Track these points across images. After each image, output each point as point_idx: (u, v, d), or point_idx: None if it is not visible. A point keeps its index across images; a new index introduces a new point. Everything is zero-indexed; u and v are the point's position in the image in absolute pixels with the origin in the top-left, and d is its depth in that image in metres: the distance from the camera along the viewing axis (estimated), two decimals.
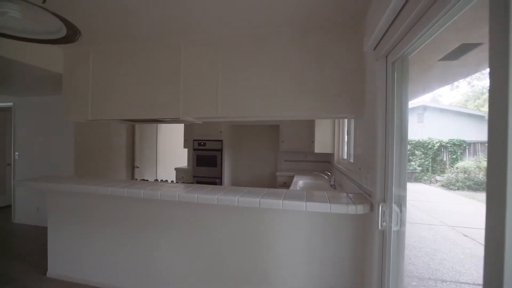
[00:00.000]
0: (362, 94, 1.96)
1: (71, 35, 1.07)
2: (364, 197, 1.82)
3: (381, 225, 1.47)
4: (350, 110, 2.06)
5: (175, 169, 4.95)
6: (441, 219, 4.63)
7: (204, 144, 4.42)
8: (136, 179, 4.38)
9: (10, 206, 4.70)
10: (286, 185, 4.01)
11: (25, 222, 4.20)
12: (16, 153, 4.29)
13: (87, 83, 2.68)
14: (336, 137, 3.54)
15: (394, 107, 1.43)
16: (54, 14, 0.93)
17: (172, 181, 2.96)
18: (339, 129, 3.49)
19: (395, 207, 1.41)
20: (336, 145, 3.54)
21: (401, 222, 1.41)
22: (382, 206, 1.47)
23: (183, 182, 4.01)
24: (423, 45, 1.24)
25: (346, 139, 3.16)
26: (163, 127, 5.55)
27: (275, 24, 2.09)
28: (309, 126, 4.18)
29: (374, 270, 1.55)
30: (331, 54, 2.07)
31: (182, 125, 5.05)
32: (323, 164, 4.42)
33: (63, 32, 1.06)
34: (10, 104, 4.35)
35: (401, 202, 1.44)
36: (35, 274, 2.58)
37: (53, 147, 4.03)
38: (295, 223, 1.92)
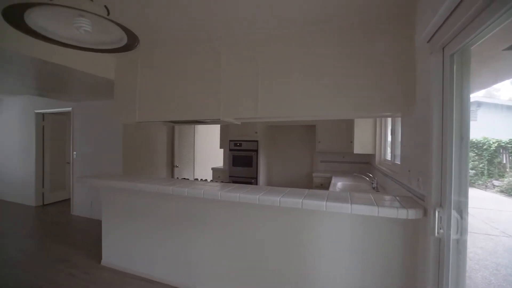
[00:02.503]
0: (411, 91, 1.83)
1: (131, 43, 1.16)
2: (415, 201, 1.69)
3: (437, 232, 1.35)
4: (397, 108, 1.94)
5: (212, 168, 5.11)
6: (502, 229, 4.11)
7: (240, 145, 4.50)
8: (177, 178, 4.61)
9: (69, 199, 5.28)
10: (323, 186, 3.90)
11: (81, 214, 4.67)
12: (74, 152, 4.79)
13: (135, 88, 2.89)
14: (378, 137, 3.35)
15: (453, 104, 1.31)
16: (119, 24, 1.02)
17: (212, 180, 3.06)
18: (381, 129, 3.31)
19: (454, 213, 1.29)
20: (377, 146, 3.36)
21: (462, 230, 1.28)
22: (438, 212, 1.36)
23: (222, 182, 4.12)
24: (490, 34, 1.11)
25: (389, 139, 2.98)
26: (200, 128, 5.78)
27: (316, 21, 2.05)
28: (348, 126, 4.02)
29: (428, 281, 1.43)
30: (375, 50, 1.97)
31: (218, 126, 5.20)
32: (363, 165, 4.22)
33: (124, 41, 1.16)
34: (69, 108, 4.87)
35: (462, 208, 1.31)
36: (91, 262, 2.85)
37: (104, 147, 4.42)
38: (337, 225, 1.85)
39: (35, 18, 1.03)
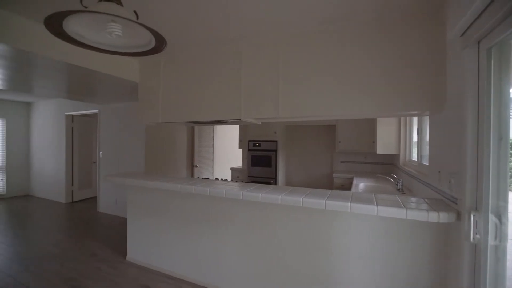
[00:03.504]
0: (441, 88, 1.75)
1: (159, 45, 1.20)
2: (446, 204, 1.61)
3: (473, 238, 1.28)
4: (425, 107, 1.85)
5: (231, 168, 5.16)
6: None
7: (259, 145, 4.51)
8: (198, 177, 4.70)
9: (96, 197, 5.55)
10: (344, 187, 3.81)
11: (106, 211, 4.88)
12: (100, 152, 5.02)
13: (158, 90, 2.98)
14: (403, 137, 3.22)
15: (491, 100, 1.23)
16: (148, 28, 1.05)
17: (231, 180, 3.08)
18: (406, 128, 3.18)
19: (492, 218, 1.21)
20: (402, 146, 3.23)
21: (502, 236, 1.20)
22: (474, 216, 1.28)
23: (241, 182, 4.15)
24: None
25: (415, 139, 2.86)
26: (219, 129, 5.85)
27: (337, 19, 2.01)
28: (369, 125, 3.91)
29: None
30: (400, 46, 1.90)
31: (237, 126, 5.24)
32: (385, 166, 4.08)
33: (153, 43, 1.20)
34: (96, 111, 5.12)
35: (500, 212, 1.23)
36: (117, 257, 2.97)
37: (128, 147, 4.59)
38: (362, 228, 1.80)
39: (72, 25, 1.09)
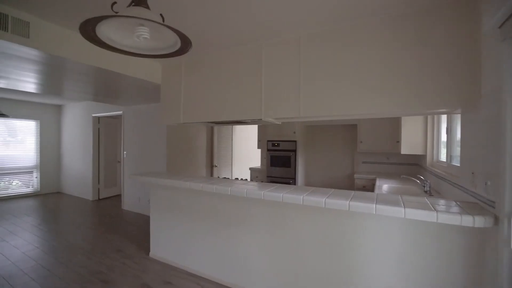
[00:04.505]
0: (475, 83, 1.64)
1: (184, 47, 1.23)
2: (482, 207, 1.51)
3: None
4: (456, 104, 1.76)
5: (250, 168, 5.18)
6: None
7: (278, 145, 4.49)
8: (218, 177, 4.76)
9: (120, 195, 5.79)
10: (366, 188, 3.70)
11: (130, 209, 5.08)
12: (124, 152, 5.23)
13: (180, 91, 3.06)
14: (430, 136, 3.07)
15: None
16: (174, 30, 1.07)
17: (251, 180, 3.09)
18: (434, 127, 3.03)
19: None
20: (429, 146, 3.08)
21: None
22: None
23: (261, 182, 4.15)
24: None
25: (444, 139, 2.71)
26: (238, 129, 5.89)
27: (360, 15, 1.96)
28: (393, 124, 3.76)
29: None
30: (429, 41, 1.81)
31: (256, 126, 5.25)
32: (410, 167, 3.91)
33: (178, 45, 1.22)
34: (120, 112, 5.34)
35: None
36: (141, 253, 3.07)
37: (150, 147, 4.75)
38: (387, 231, 1.73)
39: (103, 30, 1.14)
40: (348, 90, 2.09)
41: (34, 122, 6.40)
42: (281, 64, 2.37)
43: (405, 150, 3.26)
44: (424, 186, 2.57)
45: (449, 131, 2.48)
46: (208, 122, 2.98)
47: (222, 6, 1.89)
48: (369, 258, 1.79)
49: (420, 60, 1.84)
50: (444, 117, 2.78)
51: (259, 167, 5.16)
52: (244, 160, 5.94)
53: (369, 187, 3.69)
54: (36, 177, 6.41)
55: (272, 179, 4.53)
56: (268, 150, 4.62)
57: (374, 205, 1.58)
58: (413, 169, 3.86)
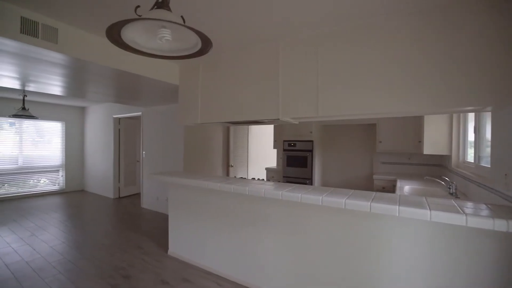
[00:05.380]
0: (508, 80, 1.55)
1: (204, 47, 1.24)
2: None
3: None
4: (486, 102, 1.66)
5: (266, 168, 5.17)
6: None
7: (294, 145, 4.45)
8: (234, 177, 4.80)
9: (139, 194, 5.96)
10: (386, 189, 3.59)
11: (149, 207, 5.22)
12: (143, 152, 5.38)
13: (197, 91, 3.10)
14: (455, 136, 2.93)
15: None
16: (195, 31, 1.09)
17: (268, 180, 3.08)
18: (460, 126, 2.88)
19: None
20: (454, 146, 2.94)
21: None
22: None
23: (278, 182, 4.14)
24: None
25: (471, 138, 2.58)
26: (254, 129, 5.91)
27: (383, 12, 1.90)
28: (415, 123, 3.62)
29: None
30: (459, 35, 1.73)
31: (272, 126, 5.24)
32: (433, 168, 3.75)
33: (199, 46, 1.24)
34: (139, 113, 5.50)
35: None
36: (160, 251, 3.15)
37: (168, 147, 4.86)
38: (410, 234, 1.67)
39: (126, 34, 1.18)
40: (368, 89, 2.03)
41: (60, 124, 6.74)
42: (298, 63, 2.35)
43: (428, 150, 3.13)
44: (449, 188, 2.45)
45: (477, 130, 2.35)
46: (225, 122, 3.00)
47: (239, 6, 1.90)
48: (390, 262, 1.73)
49: (448, 56, 1.76)
50: (471, 116, 2.64)
51: (275, 167, 5.14)
52: (260, 160, 5.94)
53: (389, 189, 3.58)
54: (61, 176, 6.74)
55: (288, 179, 4.49)
56: (284, 150, 4.59)
57: (397, 206, 1.52)
58: (437, 170, 3.70)
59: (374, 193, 1.87)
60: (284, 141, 4.59)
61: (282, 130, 4.72)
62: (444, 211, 1.41)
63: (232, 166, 5.33)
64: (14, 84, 3.74)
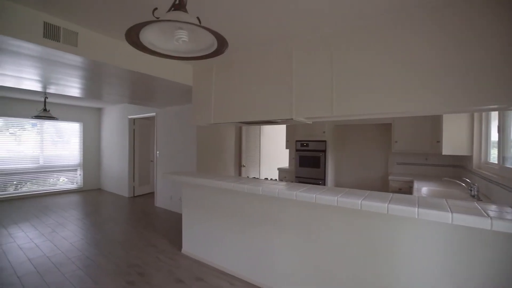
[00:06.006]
0: None
1: (220, 48, 1.25)
2: None
3: None
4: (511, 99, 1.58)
5: (278, 169, 5.15)
6: None
7: (307, 145, 4.41)
8: (247, 177, 4.81)
9: (153, 193, 6.08)
10: (402, 191, 3.49)
11: (163, 206, 5.31)
12: (157, 152, 5.49)
13: (211, 91, 3.13)
14: (477, 135, 2.81)
15: None
16: (212, 31, 1.09)
17: (281, 180, 3.07)
18: (482, 125, 2.77)
19: None
20: (476, 146, 2.82)
21: None
22: None
23: (291, 182, 4.12)
24: None
25: (495, 138, 2.47)
26: (266, 129, 5.90)
27: (401, 7, 1.85)
28: (433, 123, 3.51)
29: None
30: (482, 29, 1.65)
31: (284, 126, 5.21)
32: (452, 169, 3.62)
33: (215, 46, 1.25)
34: (153, 114, 5.61)
35: None
36: (173, 249, 3.19)
37: (181, 147, 4.93)
38: (429, 236, 1.61)
39: (144, 36, 1.20)
40: (385, 88, 1.98)
41: (78, 124, 6.98)
42: (312, 62, 2.32)
43: (446, 150, 3.02)
44: (470, 190, 2.36)
45: (501, 129, 2.25)
46: (238, 122, 3.01)
47: (252, 6, 1.90)
48: (408, 265, 1.68)
49: (469, 52, 1.69)
50: (494, 114, 2.53)
51: (287, 168, 5.12)
52: (272, 160, 5.92)
53: (406, 190, 3.48)
54: (79, 175, 6.98)
55: (301, 180, 4.46)
56: (296, 150, 4.55)
57: (416, 208, 1.48)
58: (456, 171, 3.56)
59: (391, 194, 1.83)
60: (297, 141, 4.56)
61: (295, 130, 4.68)
62: (466, 213, 1.36)
63: (244, 166, 5.35)
64: (36, 87, 3.90)
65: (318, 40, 2.29)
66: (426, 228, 1.62)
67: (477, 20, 1.67)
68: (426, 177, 3.55)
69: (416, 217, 1.47)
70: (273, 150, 6.04)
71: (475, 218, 1.33)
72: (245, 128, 5.38)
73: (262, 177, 5.64)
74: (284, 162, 5.59)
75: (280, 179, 4.97)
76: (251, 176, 5.43)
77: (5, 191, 5.77)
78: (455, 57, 1.73)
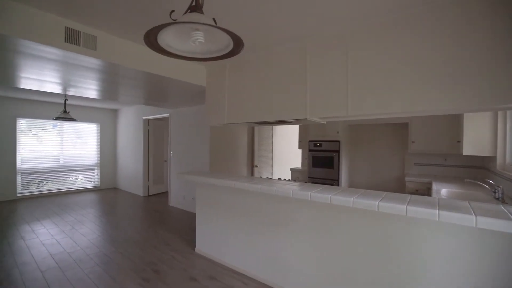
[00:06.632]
0: None
1: (236, 48, 1.25)
2: None
3: None
4: None
5: (291, 169, 5.12)
6: None
7: (320, 145, 4.36)
8: (260, 177, 4.81)
9: (167, 192, 6.19)
10: (419, 192, 3.39)
11: (176, 206, 5.39)
12: (171, 152, 5.58)
13: (224, 92, 3.15)
14: (501, 135, 2.68)
15: None
16: (229, 32, 1.10)
17: (295, 180, 3.05)
18: (507, 124, 2.64)
19: None
20: (500, 146, 2.69)
21: None
22: None
23: (305, 182, 4.09)
24: None
25: None
26: (278, 129, 5.88)
27: (419, 3, 1.79)
28: (452, 122, 3.38)
29: None
30: (507, 23, 1.57)
31: (297, 126, 5.17)
32: (474, 170, 3.47)
33: (230, 47, 1.26)
34: (167, 114, 5.71)
35: None
36: (187, 248, 3.24)
37: (194, 147, 4.99)
38: (450, 240, 1.55)
39: (163, 38, 1.23)
40: (402, 86, 1.93)
41: (95, 125, 7.21)
42: (327, 61, 2.29)
43: (468, 151, 2.91)
44: (494, 192, 2.25)
45: None
46: (251, 122, 3.02)
47: (265, 5, 1.89)
48: (427, 269, 1.62)
49: (491, 48, 1.61)
50: None
51: (300, 168, 5.08)
52: (284, 160, 5.90)
53: (423, 191, 3.37)
54: (96, 174, 7.20)
55: (314, 180, 4.41)
56: (309, 150, 4.51)
57: (437, 211, 1.42)
58: (478, 173, 3.42)
59: (409, 195, 1.77)
60: (310, 141, 4.51)
61: (308, 130, 4.64)
62: (492, 216, 1.30)
63: (257, 166, 5.35)
64: (57, 89, 4.06)
65: (333, 39, 2.25)
66: (447, 231, 1.56)
67: (503, 11, 1.59)
68: (445, 179, 3.42)
69: (437, 219, 1.42)
70: (286, 150, 6.01)
71: (501, 221, 1.26)
72: (257, 128, 5.38)
73: (275, 177, 5.63)
74: (297, 163, 5.55)
75: (293, 180, 4.93)
76: (264, 176, 5.42)
77: (28, 189, 6.04)
78: (485, 52, 1.66)
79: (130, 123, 6.93)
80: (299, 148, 5.03)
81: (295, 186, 2.18)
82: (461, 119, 3.05)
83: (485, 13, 1.64)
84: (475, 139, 2.85)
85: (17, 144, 5.80)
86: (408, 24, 1.91)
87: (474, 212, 1.37)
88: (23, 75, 3.13)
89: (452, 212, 1.38)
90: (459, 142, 3.10)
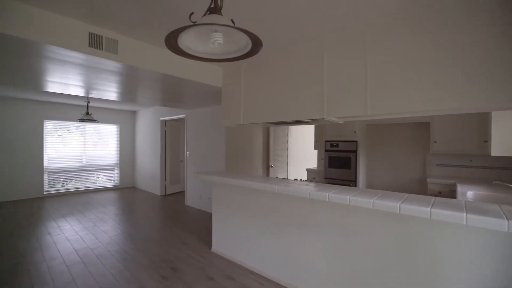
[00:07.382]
0: None
1: (254, 48, 1.25)
2: None
3: None
4: None
5: (306, 169, 5.07)
6: None
7: (337, 145, 4.28)
8: (276, 177, 4.80)
9: (183, 192, 6.31)
10: (442, 194, 3.25)
11: (192, 205, 5.48)
12: (187, 152, 5.68)
13: (240, 93, 3.17)
14: None
15: None
16: (248, 32, 1.10)
17: (311, 181, 3.01)
18: None
19: None
20: None
21: None
22: None
23: (322, 183, 4.03)
24: None
25: None
26: (294, 129, 5.84)
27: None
28: (479, 120, 3.21)
29: None
30: None
31: (312, 126, 5.11)
32: (504, 172, 3.28)
33: (249, 47, 1.26)
34: (184, 115, 5.82)
35: None
36: (203, 247, 3.28)
37: (210, 147, 5.05)
38: (477, 245, 1.47)
39: (183, 40, 1.25)
40: (424, 84, 1.85)
41: (115, 126, 7.47)
42: (344, 60, 2.25)
43: (496, 151, 2.75)
44: None
45: None
46: (267, 122, 3.01)
47: (282, 4, 1.88)
48: (451, 275, 1.55)
49: None
50: None
51: (316, 168, 5.01)
52: (300, 160, 5.84)
53: (446, 193, 3.23)
54: (116, 173, 7.46)
55: (330, 181, 4.34)
56: (326, 150, 4.44)
57: (464, 214, 1.36)
58: (507, 174, 3.23)
59: (432, 198, 1.70)
60: (326, 141, 4.44)
61: (324, 130, 4.57)
62: None
63: (272, 166, 5.34)
64: (80, 92, 4.25)
65: (351, 37, 2.21)
66: (474, 236, 1.48)
67: None
68: (471, 180, 3.26)
69: (464, 223, 1.35)
70: (301, 150, 5.95)
71: None
72: (273, 129, 5.36)
73: (290, 177, 5.59)
74: (312, 163, 5.48)
75: (309, 180, 4.87)
76: (279, 176, 5.40)
77: (54, 187, 6.35)
78: (505, 49, 1.57)
79: (148, 124, 7.12)
80: (315, 148, 4.97)
81: (312, 186, 2.15)
82: (488, 117, 2.90)
83: None
84: (505, 139, 2.69)
85: (44, 144, 6.12)
86: (431, 20, 1.83)
87: (506, 216, 1.29)
88: (49, 79, 3.30)
89: (482, 216, 1.31)
90: (486, 142, 2.94)
